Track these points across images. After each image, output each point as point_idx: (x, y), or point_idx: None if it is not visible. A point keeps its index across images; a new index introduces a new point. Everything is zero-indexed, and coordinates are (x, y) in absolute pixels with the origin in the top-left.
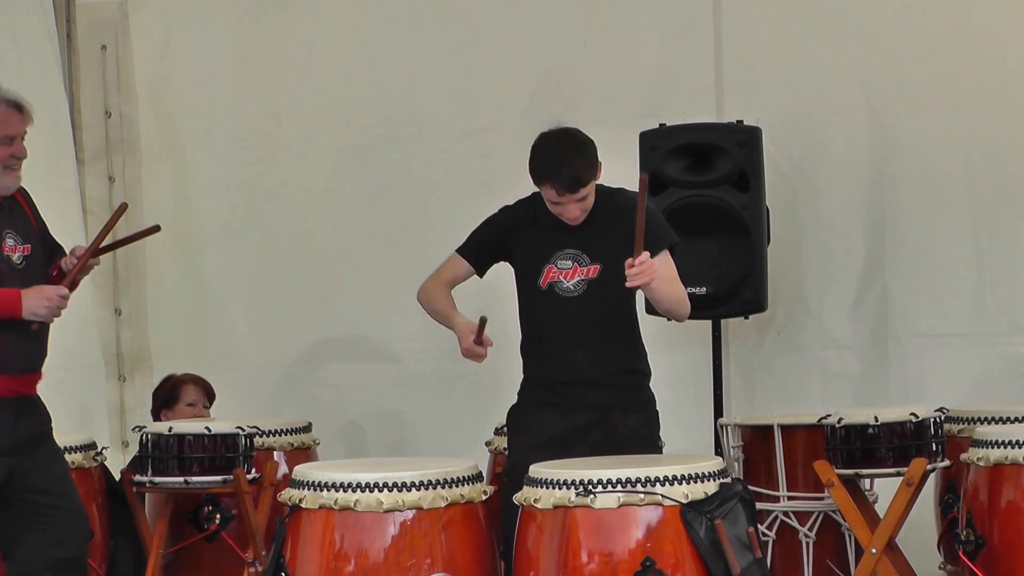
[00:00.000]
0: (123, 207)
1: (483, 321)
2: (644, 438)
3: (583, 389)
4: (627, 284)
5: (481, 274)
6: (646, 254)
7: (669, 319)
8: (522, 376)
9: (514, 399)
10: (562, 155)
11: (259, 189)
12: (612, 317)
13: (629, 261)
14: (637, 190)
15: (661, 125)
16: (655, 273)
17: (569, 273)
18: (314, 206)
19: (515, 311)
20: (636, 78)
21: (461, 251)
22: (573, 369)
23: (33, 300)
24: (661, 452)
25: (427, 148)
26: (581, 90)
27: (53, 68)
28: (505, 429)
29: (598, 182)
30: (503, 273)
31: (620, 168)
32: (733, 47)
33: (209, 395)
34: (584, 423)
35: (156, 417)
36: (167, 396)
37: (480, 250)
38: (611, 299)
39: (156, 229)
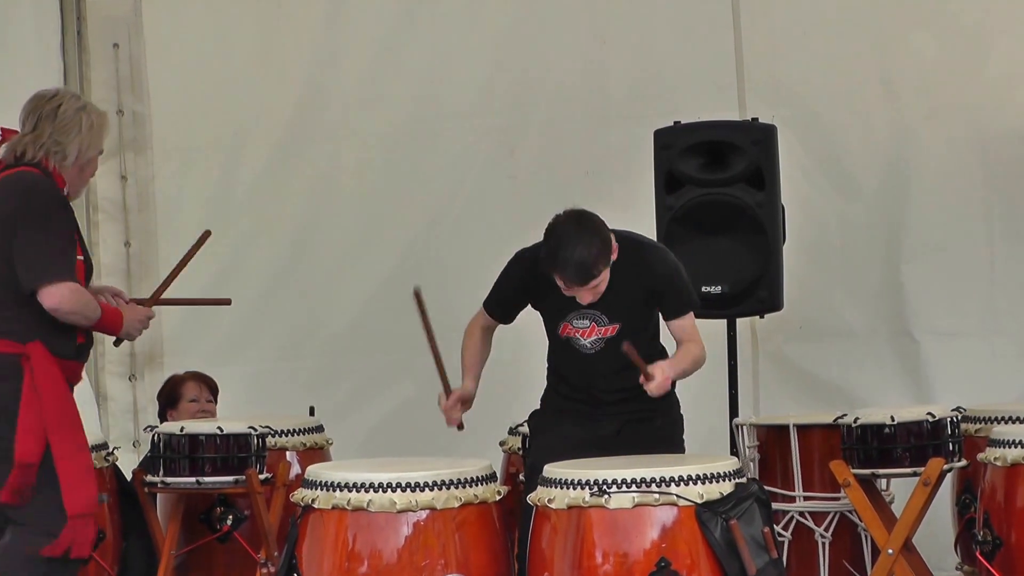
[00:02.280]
0: (206, 235)
1: (417, 292)
2: (668, 440)
3: (608, 406)
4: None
5: (508, 323)
6: (659, 371)
7: None
8: (540, 379)
9: (529, 398)
10: (573, 247)
11: (276, 186)
12: (630, 371)
13: (643, 381)
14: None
15: (676, 123)
16: (669, 379)
17: (586, 332)
18: (335, 203)
19: (532, 311)
20: (656, 76)
21: (486, 306)
22: (596, 396)
23: (130, 321)
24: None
25: (454, 144)
26: (602, 88)
27: (56, 66)
28: (519, 429)
29: (614, 229)
30: None
31: (639, 165)
32: (753, 45)
33: (212, 389)
34: (610, 430)
35: (163, 419)
36: (169, 397)
37: (501, 307)
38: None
39: (224, 301)
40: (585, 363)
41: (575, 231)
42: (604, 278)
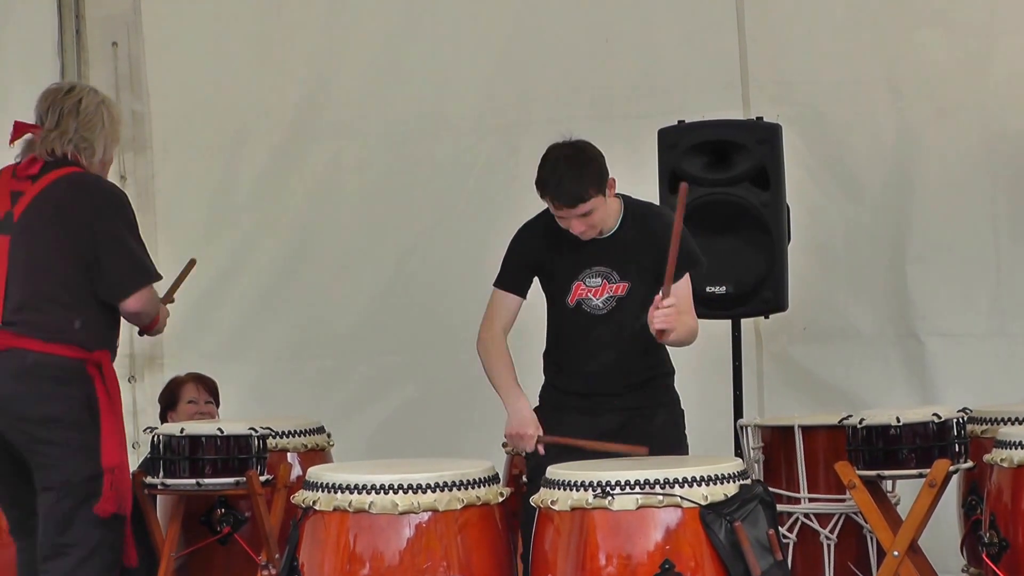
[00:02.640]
0: (192, 263)
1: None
2: (671, 436)
3: (607, 399)
4: (653, 326)
5: (524, 296)
6: (673, 299)
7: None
8: (542, 379)
9: (531, 399)
10: (564, 168)
11: (277, 186)
12: (638, 331)
13: (658, 300)
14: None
15: (680, 122)
16: (677, 322)
17: (598, 291)
18: (337, 203)
19: (537, 310)
20: (660, 75)
21: (499, 284)
22: (596, 383)
23: (163, 320)
24: (688, 450)
25: (456, 144)
26: (605, 87)
27: (54, 65)
28: None
29: (625, 194)
30: None
31: (642, 165)
32: (757, 44)
33: (212, 391)
34: (611, 426)
35: (163, 421)
36: (169, 398)
37: (517, 278)
38: (637, 315)
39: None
40: (595, 335)
41: (571, 154)
42: (597, 207)
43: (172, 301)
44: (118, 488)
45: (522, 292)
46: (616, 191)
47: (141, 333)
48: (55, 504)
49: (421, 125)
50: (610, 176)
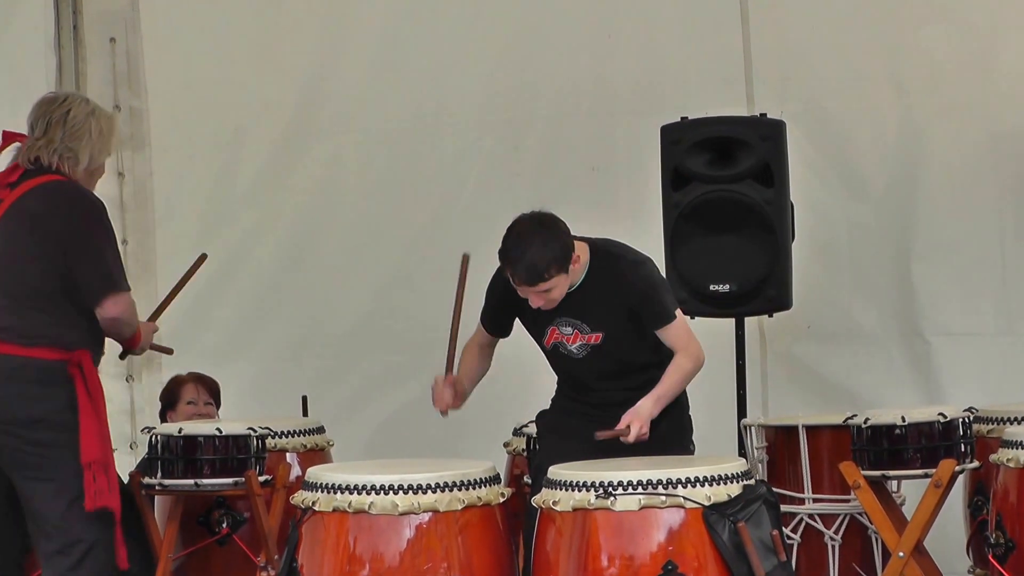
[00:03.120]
0: (202, 258)
1: (466, 257)
2: (676, 442)
3: (617, 408)
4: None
5: (506, 336)
6: (629, 419)
7: None
8: (544, 380)
9: (533, 399)
10: (527, 244)
11: (277, 184)
12: (630, 364)
13: (617, 430)
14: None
15: (683, 118)
16: (649, 419)
17: (571, 338)
18: (337, 200)
19: None
20: (663, 71)
21: (481, 320)
22: (600, 397)
23: (146, 336)
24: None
25: (458, 140)
26: (607, 83)
27: (51, 61)
28: (523, 430)
29: (588, 237)
30: None
31: (646, 162)
32: (761, 39)
33: (212, 391)
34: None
35: (163, 420)
36: (169, 398)
37: (494, 321)
38: (622, 355)
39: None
40: (577, 368)
41: (533, 230)
42: (557, 285)
43: (167, 305)
44: (99, 484)
45: (501, 332)
46: (580, 238)
47: (123, 355)
48: (49, 504)
49: (422, 122)
50: (575, 252)
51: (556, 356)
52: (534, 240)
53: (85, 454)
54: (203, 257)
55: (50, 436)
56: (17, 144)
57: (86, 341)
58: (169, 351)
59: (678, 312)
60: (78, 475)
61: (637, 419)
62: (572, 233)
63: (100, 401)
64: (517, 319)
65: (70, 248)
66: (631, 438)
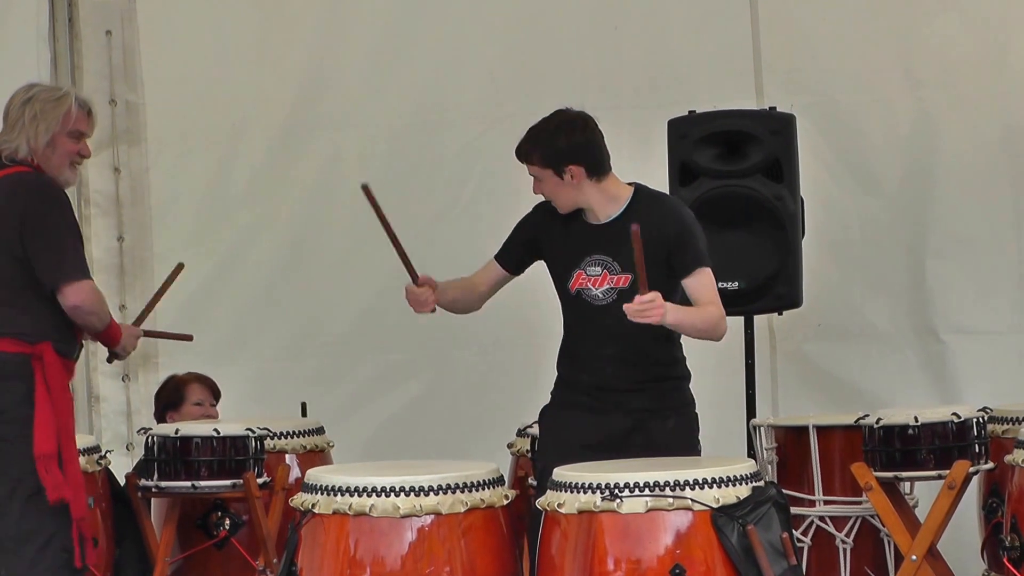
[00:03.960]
0: (179, 268)
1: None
2: (683, 442)
3: (618, 395)
4: (629, 318)
5: (517, 273)
6: (654, 294)
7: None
8: (549, 380)
9: (538, 398)
10: (538, 126)
11: (275, 179)
12: (644, 328)
13: (636, 298)
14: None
15: (691, 112)
16: (662, 314)
17: (598, 280)
18: (337, 196)
19: (542, 307)
20: (670, 63)
21: (497, 255)
22: (607, 376)
23: (127, 337)
24: (700, 455)
25: (460, 135)
26: (613, 75)
27: (46, 54)
28: (528, 430)
29: (639, 183)
30: (540, 268)
31: (652, 156)
32: (771, 31)
33: (215, 393)
34: (621, 429)
35: (161, 420)
36: (172, 397)
37: (512, 250)
38: None
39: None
40: (598, 324)
41: (553, 118)
42: (542, 178)
43: (148, 312)
44: (52, 476)
45: (512, 267)
46: (622, 181)
47: (109, 359)
48: (7, 499)
49: (424, 117)
50: (575, 164)
51: (577, 305)
52: (543, 125)
53: (37, 446)
54: (179, 267)
55: (5, 429)
56: None
57: (48, 334)
58: (188, 337)
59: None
60: (34, 470)
61: (658, 304)
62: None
63: (61, 394)
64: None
65: (27, 236)
66: (648, 315)
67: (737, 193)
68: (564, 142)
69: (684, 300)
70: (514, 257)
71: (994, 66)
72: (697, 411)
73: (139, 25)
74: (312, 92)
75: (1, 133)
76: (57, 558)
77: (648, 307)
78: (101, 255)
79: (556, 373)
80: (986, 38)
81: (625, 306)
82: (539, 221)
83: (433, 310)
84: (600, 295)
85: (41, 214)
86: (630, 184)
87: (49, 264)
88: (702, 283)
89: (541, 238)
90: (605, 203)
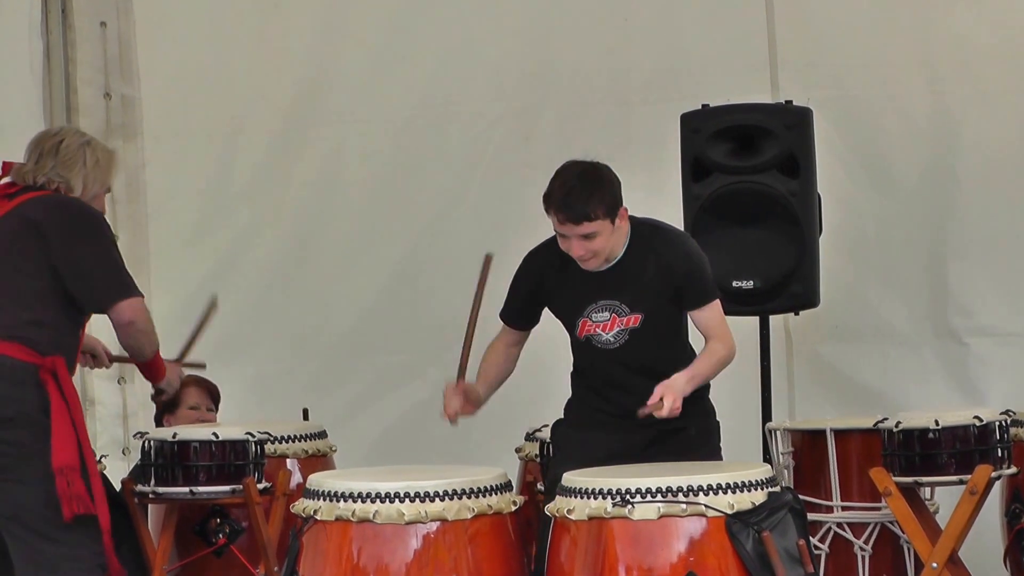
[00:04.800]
0: (214, 303)
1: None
2: (703, 449)
3: (636, 420)
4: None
5: (530, 327)
6: (658, 391)
7: None
8: (560, 382)
9: (548, 402)
10: (576, 182)
11: (276, 176)
12: (661, 358)
13: (646, 408)
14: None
15: (704, 106)
16: (679, 403)
17: (606, 325)
18: (340, 194)
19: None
20: (682, 55)
21: (503, 317)
22: (623, 407)
23: (172, 374)
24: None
25: (465, 130)
26: (624, 68)
27: (38, 46)
28: (537, 434)
29: (645, 217)
30: None
31: (664, 152)
32: (786, 22)
33: (214, 397)
34: (641, 442)
35: (159, 423)
36: (168, 401)
37: (516, 306)
38: (658, 344)
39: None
40: (610, 363)
41: (584, 171)
42: (601, 232)
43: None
44: (74, 489)
45: (522, 324)
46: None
47: (155, 396)
48: (21, 507)
49: (428, 111)
50: (623, 206)
51: (587, 350)
52: (584, 179)
53: (57, 459)
54: (214, 302)
55: (16, 436)
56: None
57: (61, 347)
58: (202, 365)
59: (717, 297)
60: (50, 480)
61: (670, 392)
62: None
63: (76, 405)
64: (546, 309)
65: (79, 253)
66: (664, 411)
67: (752, 189)
68: (615, 188)
69: (680, 323)
70: (522, 314)
71: (1016, 58)
72: (718, 419)
73: (135, 16)
74: (314, 85)
75: (45, 166)
76: (82, 570)
77: (664, 406)
78: None
79: (568, 382)
80: (1007, 29)
81: (640, 412)
82: (535, 270)
83: (454, 422)
84: (611, 339)
85: (91, 234)
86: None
87: (103, 281)
88: (711, 316)
89: (541, 288)
90: (615, 245)
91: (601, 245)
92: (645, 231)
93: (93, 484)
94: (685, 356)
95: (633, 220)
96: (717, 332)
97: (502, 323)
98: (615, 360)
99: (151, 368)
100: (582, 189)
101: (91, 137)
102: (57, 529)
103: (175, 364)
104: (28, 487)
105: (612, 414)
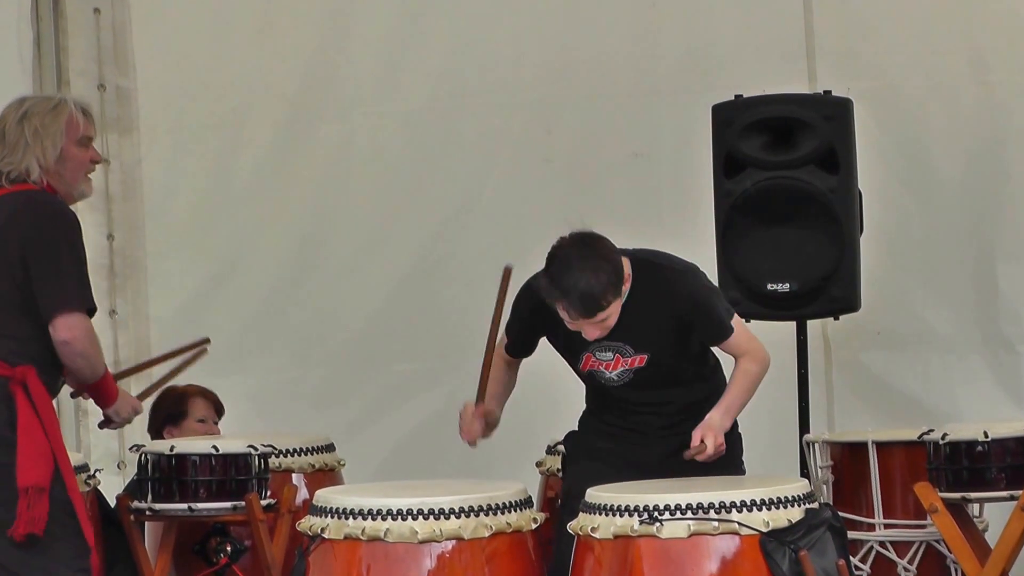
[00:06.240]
0: (204, 345)
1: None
2: (723, 463)
3: (655, 430)
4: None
5: (530, 353)
6: (697, 435)
7: None
8: (580, 392)
9: (569, 413)
10: (578, 274)
11: (280, 173)
12: (671, 391)
13: (690, 450)
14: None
15: (737, 97)
16: (721, 440)
17: (610, 364)
18: (348, 191)
19: None
20: (714, 43)
21: (506, 346)
22: (638, 424)
23: (123, 402)
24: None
25: (482, 122)
26: (651, 56)
27: (28, 34)
28: (558, 448)
29: (643, 249)
30: None
31: (694, 146)
32: (824, 9)
33: (219, 410)
34: (658, 454)
35: (158, 435)
36: (173, 411)
37: (516, 340)
38: (664, 381)
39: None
40: (618, 399)
41: (581, 256)
42: (613, 311)
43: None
44: (34, 512)
45: (524, 354)
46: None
47: (102, 424)
48: None
49: (442, 102)
50: (626, 272)
51: (593, 381)
52: (584, 267)
53: (23, 478)
54: (205, 344)
55: None
56: None
57: (31, 356)
58: (205, 342)
59: (734, 320)
60: (11, 499)
61: (711, 432)
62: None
63: (50, 419)
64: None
65: (29, 257)
66: (710, 451)
67: (788, 186)
68: (617, 262)
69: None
70: (525, 346)
71: None
72: (740, 431)
73: (130, 2)
74: (320, 75)
75: (2, 157)
76: None
77: (707, 447)
78: (89, 254)
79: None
80: None
81: (686, 455)
82: (532, 309)
83: (474, 444)
84: (615, 377)
85: (45, 237)
86: (620, 254)
87: (45, 291)
88: (733, 343)
89: (540, 324)
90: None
91: (614, 320)
92: (647, 270)
93: (74, 500)
94: (708, 372)
95: (633, 260)
96: (744, 350)
97: (501, 348)
98: (621, 392)
99: (97, 392)
100: (588, 279)
101: (29, 104)
102: (27, 553)
103: (130, 397)
104: None
105: (627, 428)
